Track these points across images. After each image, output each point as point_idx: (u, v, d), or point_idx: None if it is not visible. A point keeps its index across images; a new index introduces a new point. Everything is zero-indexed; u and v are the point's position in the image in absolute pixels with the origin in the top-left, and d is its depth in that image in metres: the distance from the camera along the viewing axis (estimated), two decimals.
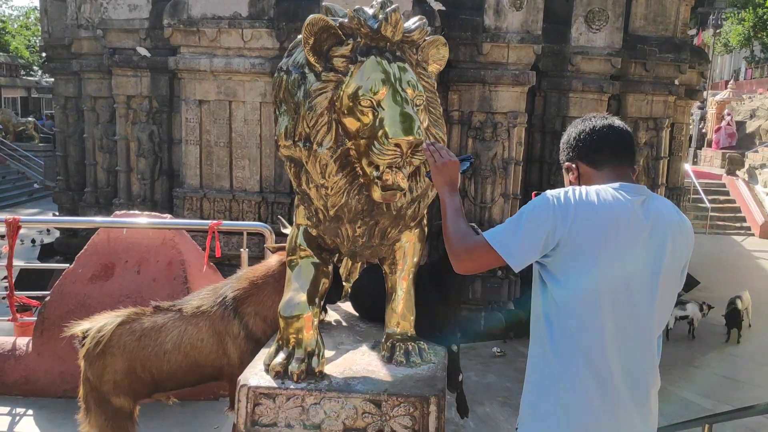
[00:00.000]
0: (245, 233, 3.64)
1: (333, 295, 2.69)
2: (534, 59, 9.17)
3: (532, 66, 9.23)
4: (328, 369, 2.20)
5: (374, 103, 1.89)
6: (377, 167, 1.92)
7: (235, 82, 8.99)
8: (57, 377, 3.43)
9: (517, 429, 2.07)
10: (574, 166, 2.03)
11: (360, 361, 2.29)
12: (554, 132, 9.80)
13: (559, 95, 9.70)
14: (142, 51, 9.25)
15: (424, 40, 2.07)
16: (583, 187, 1.92)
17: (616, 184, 1.90)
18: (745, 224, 17.49)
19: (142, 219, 3.53)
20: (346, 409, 2.06)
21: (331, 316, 2.80)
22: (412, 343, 2.32)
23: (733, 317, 8.93)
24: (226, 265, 4.47)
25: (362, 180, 1.99)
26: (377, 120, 1.88)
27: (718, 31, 28.48)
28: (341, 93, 1.93)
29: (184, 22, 8.80)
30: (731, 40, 30.55)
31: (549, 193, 1.90)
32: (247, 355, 2.54)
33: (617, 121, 2.03)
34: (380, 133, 1.86)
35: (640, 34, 10.06)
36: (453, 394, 2.52)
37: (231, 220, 8.94)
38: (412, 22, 2.03)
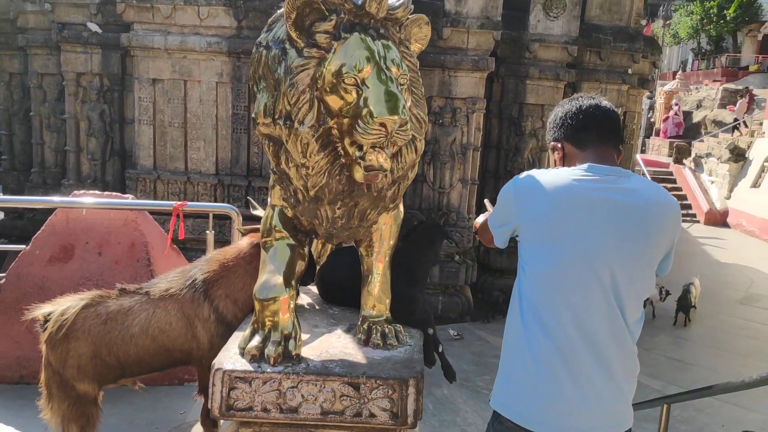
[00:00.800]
0: (211, 215, 3.55)
1: (306, 277, 2.66)
2: (493, 45, 9.20)
3: (491, 52, 9.27)
4: (305, 352, 2.17)
5: (358, 81, 1.85)
6: (360, 147, 1.88)
7: (190, 61, 8.76)
8: (13, 362, 3.31)
9: (490, 401, 2.10)
10: (559, 145, 2.06)
11: (336, 344, 2.27)
12: (511, 118, 9.89)
13: (517, 82, 9.78)
14: (93, 27, 8.93)
15: (407, 18, 2.03)
16: (546, 171, 2.00)
17: (585, 166, 1.95)
18: (691, 211, 18.05)
19: (102, 199, 3.41)
20: (324, 392, 2.04)
21: (303, 299, 2.76)
22: (389, 326, 2.31)
23: (684, 302, 9.27)
24: (181, 249, 4.37)
25: (344, 160, 1.95)
26: (361, 98, 1.84)
27: (667, 22, 29.23)
28: (324, 70, 1.88)
29: None
30: (680, 32, 31.36)
31: (516, 177, 2.02)
32: (217, 339, 2.50)
33: (604, 102, 2.04)
34: (365, 111, 1.82)
35: (595, 23, 10.20)
36: (431, 367, 2.55)
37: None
38: None
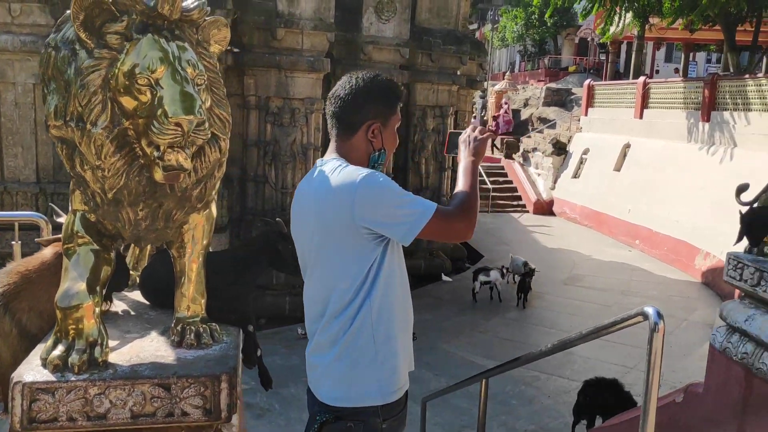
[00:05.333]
0: (17, 224, 3.32)
1: (120, 283, 2.59)
2: (328, 47, 9.36)
3: (327, 53, 9.42)
4: (114, 358, 2.12)
5: (152, 82, 1.85)
6: (158, 147, 1.88)
7: (2, 62, 8.10)
8: None
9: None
10: None
11: (148, 348, 2.24)
12: None
13: None
14: None
15: (204, 20, 2.05)
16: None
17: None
18: (521, 202, 19.42)
19: None
20: (133, 396, 2.01)
21: (118, 306, 2.69)
22: (204, 325, 2.31)
23: (523, 285, 10.19)
24: None
25: (142, 161, 1.94)
26: (156, 99, 1.84)
27: (496, 26, 31.15)
28: (116, 71, 1.86)
29: None
30: (507, 36, 33.55)
31: None
32: (21, 354, 2.36)
33: (350, 77, 2.17)
34: (159, 112, 1.83)
35: (425, 26, 10.69)
36: (252, 368, 2.57)
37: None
38: (191, 2, 2.01)
